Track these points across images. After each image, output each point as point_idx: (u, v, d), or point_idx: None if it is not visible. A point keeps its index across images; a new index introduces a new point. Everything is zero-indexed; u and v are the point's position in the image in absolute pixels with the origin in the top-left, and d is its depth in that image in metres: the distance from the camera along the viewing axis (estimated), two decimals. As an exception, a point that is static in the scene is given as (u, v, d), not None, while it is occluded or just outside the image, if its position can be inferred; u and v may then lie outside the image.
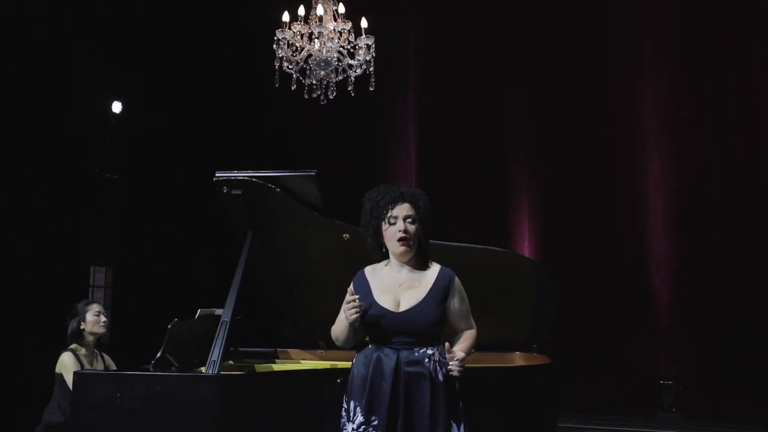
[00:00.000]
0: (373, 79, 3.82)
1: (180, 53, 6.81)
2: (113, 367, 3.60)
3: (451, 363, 2.43)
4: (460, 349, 2.50)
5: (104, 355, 3.68)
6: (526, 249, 7.01)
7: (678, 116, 6.58)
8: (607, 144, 6.82)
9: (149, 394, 2.61)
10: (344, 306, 2.45)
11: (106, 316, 3.62)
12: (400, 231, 2.49)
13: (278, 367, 3.56)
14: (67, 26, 6.01)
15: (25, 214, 5.79)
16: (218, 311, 3.38)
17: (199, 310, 3.35)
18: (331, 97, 3.83)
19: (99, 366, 3.54)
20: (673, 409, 6.32)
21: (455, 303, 2.56)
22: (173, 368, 2.90)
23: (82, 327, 3.53)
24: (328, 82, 3.74)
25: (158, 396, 2.61)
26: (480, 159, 7.24)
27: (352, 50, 3.71)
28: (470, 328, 2.64)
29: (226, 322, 2.85)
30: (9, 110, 5.59)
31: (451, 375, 2.47)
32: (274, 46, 3.57)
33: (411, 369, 2.43)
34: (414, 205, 2.54)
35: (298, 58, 3.62)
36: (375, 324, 2.49)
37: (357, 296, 2.44)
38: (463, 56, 7.31)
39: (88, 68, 6.35)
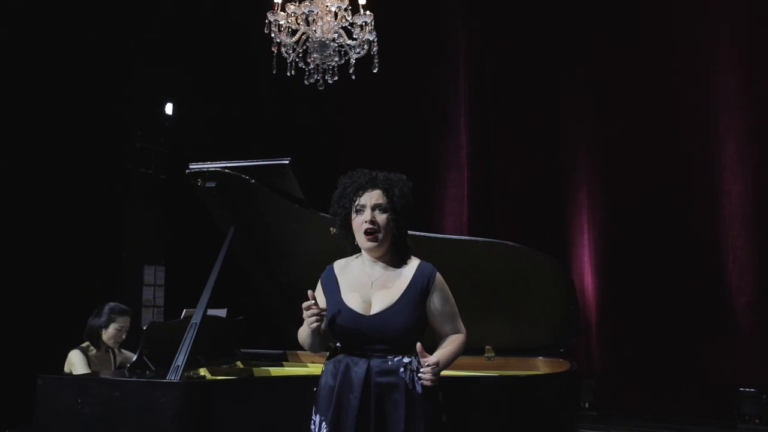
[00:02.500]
0: (376, 60, 3.52)
1: (218, 49, 6.79)
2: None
3: (422, 369, 2.08)
4: (439, 355, 2.14)
5: (122, 351, 3.60)
6: (585, 243, 6.49)
7: (754, 91, 5.85)
8: (674, 129, 6.18)
9: (109, 400, 2.46)
10: (304, 311, 2.13)
11: (127, 332, 3.52)
12: (366, 222, 2.17)
13: (277, 371, 3.36)
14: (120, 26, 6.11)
15: (82, 214, 5.95)
16: (211, 311, 3.22)
17: (184, 310, 3.20)
18: (330, 81, 3.58)
19: (110, 365, 3.46)
20: (757, 420, 5.64)
21: (436, 303, 2.21)
22: (148, 372, 2.75)
23: (101, 332, 3.46)
24: (328, 65, 3.48)
25: (117, 402, 2.45)
26: (535, 148, 6.76)
27: (350, 28, 3.41)
28: (457, 332, 2.27)
29: (196, 324, 2.66)
30: (65, 113, 5.75)
31: (423, 386, 2.15)
32: (266, 30, 3.35)
33: (383, 380, 2.11)
34: (386, 192, 2.20)
35: (291, 41, 3.37)
36: (342, 329, 2.18)
37: (314, 301, 2.11)
38: (516, 40, 6.86)
39: (143, 69, 6.47)
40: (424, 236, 3.01)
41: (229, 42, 6.87)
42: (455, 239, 3.10)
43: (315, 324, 2.10)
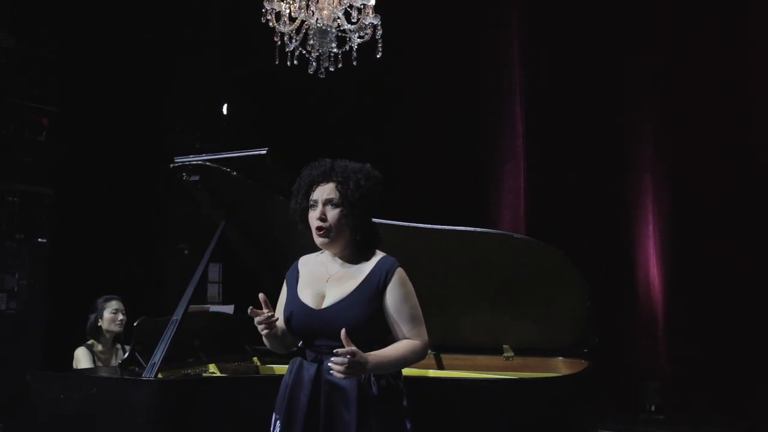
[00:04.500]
0: (380, 45, 3.35)
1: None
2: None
3: (332, 358, 1.86)
4: (372, 354, 1.92)
5: (126, 347, 3.64)
6: (650, 235, 6.02)
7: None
8: (745, 116, 5.61)
9: (88, 396, 2.46)
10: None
11: (124, 314, 3.56)
12: (316, 218, 2.05)
13: (281, 369, 3.27)
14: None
15: (147, 213, 6.19)
16: (214, 308, 3.19)
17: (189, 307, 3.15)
18: (332, 69, 3.44)
19: (115, 360, 3.50)
20: None
21: (391, 299, 2.02)
22: (137, 368, 2.73)
23: (99, 323, 3.51)
24: (329, 53, 3.34)
25: (95, 399, 2.45)
26: (596, 136, 6.33)
27: (349, 10, 3.25)
28: (414, 337, 2.03)
29: (176, 320, 2.61)
30: (125, 116, 5.98)
31: (381, 388, 1.99)
32: (263, 19, 3.26)
33: (335, 378, 1.95)
34: (341, 184, 2.05)
35: (288, 29, 3.26)
36: (293, 323, 2.07)
37: (265, 312, 1.96)
38: (574, 25, 6.46)
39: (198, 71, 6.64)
40: (416, 227, 2.85)
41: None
42: (448, 230, 2.88)
43: (264, 332, 1.98)
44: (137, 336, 2.80)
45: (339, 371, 1.83)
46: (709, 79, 5.81)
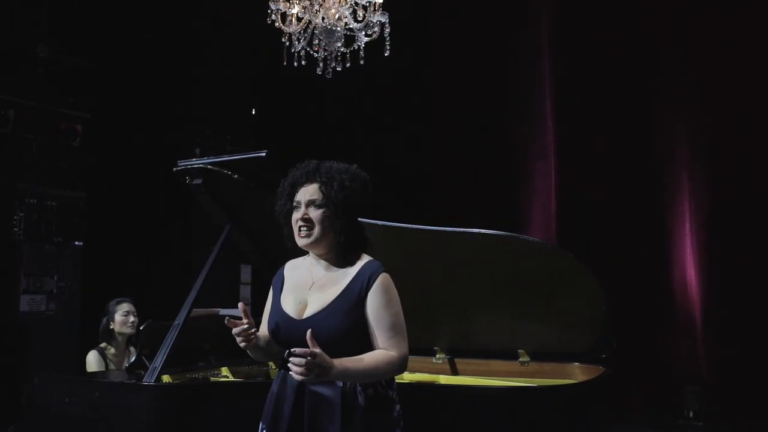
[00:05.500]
0: (388, 43, 3.28)
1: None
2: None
3: (291, 358, 1.76)
4: (340, 360, 1.81)
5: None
6: (687, 233, 5.79)
7: None
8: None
9: (90, 400, 2.47)
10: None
11: (135, 316, 3.58)
12: (298, 219, 1.99)
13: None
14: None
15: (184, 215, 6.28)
16: (224, 311, 3.18)
17: (193, 310, 3.16)
18: (339, 69, 3.39)
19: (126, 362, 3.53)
20: None
21: (371, 306, 1.93)
22: (142, 372, 2.74)
23: (111, 326, 3.55)
24: (336, 52, 3.29)
25: (97, 403, 2.45)
26: (628, 133, 6.14)
27: (355, 7, 3.19)
28: (390, 348, 1.91)
29: (178, 325, 2.61)
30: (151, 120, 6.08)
31: (368, 398, 1.92)
32: (268, 20, 3.24)
33: (319, 389, 1.91)
34: (324, 185, 1.99)
35: (292, 30, 3.23)
36: (275, 333, 2.02)
37: (244, 324, 1.90)
38: (604, 17, 6.27)
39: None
40: (421, 230, 2.79)
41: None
42: (452, 232, 2.80)
43: (243, 345, 1.93)
44: (144, 340, 2.81)
45: (297, 372, 1.74)
46: (747, 74, 5.56)
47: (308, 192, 2.01)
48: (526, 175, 6.69)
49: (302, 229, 1.99)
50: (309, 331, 1.79)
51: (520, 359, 3.11)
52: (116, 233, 5.97)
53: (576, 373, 2.99)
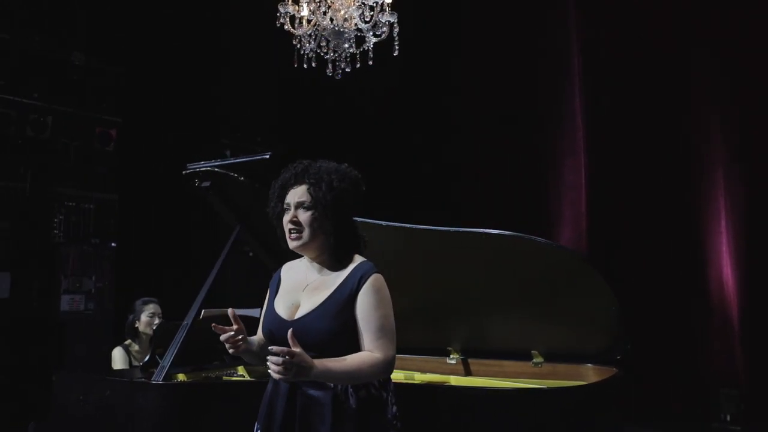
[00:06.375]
0: (396, 43, 3.27)
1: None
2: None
3: (268, 357, 1.76)
4: (321, 361, 1.81)
5: None
6: (722, 230, 5.60)
7: None
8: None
9: (102, 398, 2.54)
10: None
11: (160, 317, 3.68)
12: (288, 221, 2.01)
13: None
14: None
15: (207, 219, 6.36)
16: (239, 311, 3.22)
17: (203, 311, 3.21)
18: (347, 70, 3.39)
19: None
20: None
21: (359, 306, 1.92)
22: (154, 371, 2.80)
23: (136, 325, 3.65)
24: (345, 54, 3.29)
25: (109, 401, 2.52)
26: (661, 128, 5.97)
27: (364, 7, 3.18)
28: (376, 350, 1.89)
29: (186, 325, 2.66)
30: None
31: (360, 399, 1.92)
32: (277, 23, 3.26)
33: (310, 390, 1.93)
34: (312, 186, 1.99)
35: (300, 32, 3.25)
36: (268, 335, 2.04)
37: (232, 327, 1.91)
38: (633, 7, 6.12)
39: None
40: (434, 230, 2.78)
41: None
42: (462, 232, 2.78)
43: (232, 350, 1.95)
44: (157, 339, 2.88)
45: (274, 371, 1.75)
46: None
47: (297, 194, 2.02)
48: (555, 171, 6.59)
49: (292, 232, 2.00)
50: (290, 331, 1.80)
51: (534, 360, 3.07)
52: (147, 235, 6.11)
53: (589, 375, 2.93)
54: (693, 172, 5.80)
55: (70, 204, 6.06)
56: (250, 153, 6.84)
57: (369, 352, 1.90)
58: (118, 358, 3.53)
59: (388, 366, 1.91)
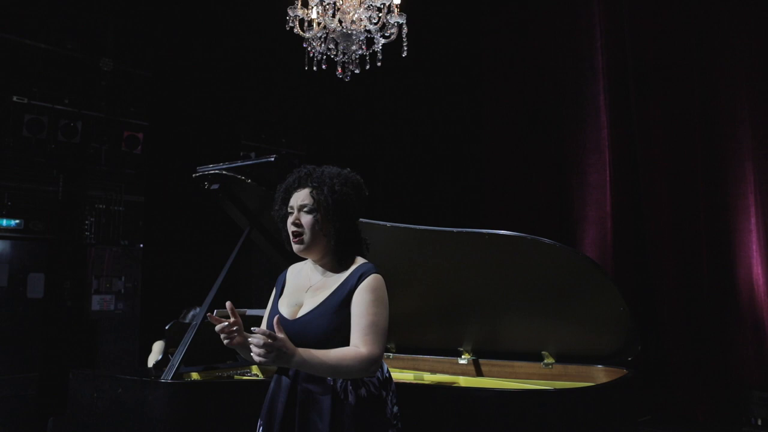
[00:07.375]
0: (405, 44, 3.26)
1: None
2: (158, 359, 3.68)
3: (250, 338, 1.76)
4: (304, 350, 1.81)
5: None
6: (752, 228, 5.46)
7: None
8: None
9: (114, 396, 2.60)
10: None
11: None
12: (291, 224, 2.04)
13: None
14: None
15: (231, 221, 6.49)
16: (250, 312, 3.27)
17: (215, 311, 3.26)
18: (356, 71, 3.39)
19: None
20: None
21: (355, 303, 1.94)
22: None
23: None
24: (355, 56, 3.29)
25: (120, 398, 2.58)
26: (687, 123, 5.85)
27: (373, 7, 3.17)
28: (362, 346, 1.88)
29: (195, 325, 2.70)
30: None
31: (359, 397, 1.94)
32: (286, 27, 3.29)
33: (309, 386, 1.95)
34: (315, 190, 2.02)
35: (309, 35, 3.26)
36: None
37: (228, 320, 1.91)
38: (659, 3, 6.01)
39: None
40: (444, 231, 2.78)
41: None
42: (471, 233, 2.76)
43: (226, 342, 1.96)
44: (170, 339, 2.93)
45: (255, 353, 1.75)
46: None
47: (300, 197, 2.05)
48: (579, 169, 6.50)
49: (294, 235, 2.03)
50: (276, 317, 1.83)
51: (545, 361, 3.04)
52: (173, 237, 6.22)
53: (600, 376, 2.90)
54: (721, 168, 5.67)
55: (101, 206, 6.22)
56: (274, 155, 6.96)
57: (355, 347, 1.90)
58: (156, 350, 3.61)
59: (372, 363, 1.88)
